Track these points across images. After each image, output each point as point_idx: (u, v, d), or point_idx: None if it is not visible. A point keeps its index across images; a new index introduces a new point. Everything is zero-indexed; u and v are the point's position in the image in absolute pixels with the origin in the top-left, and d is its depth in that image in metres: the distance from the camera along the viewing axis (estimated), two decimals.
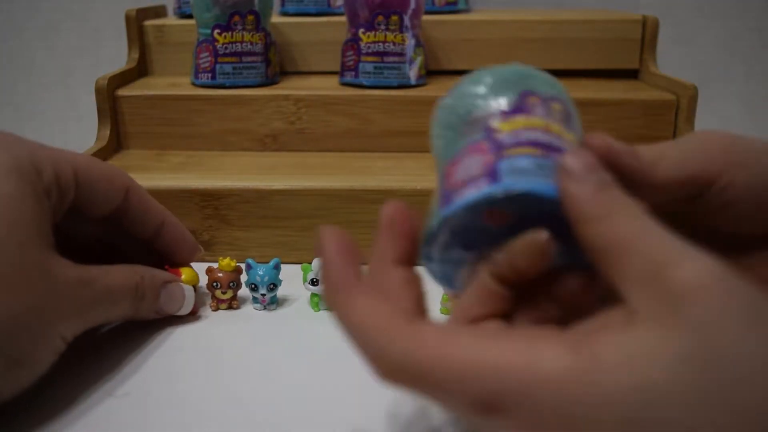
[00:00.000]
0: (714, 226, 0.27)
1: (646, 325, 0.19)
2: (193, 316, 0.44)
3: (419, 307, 0.24)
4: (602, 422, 0.18)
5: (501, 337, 0.21)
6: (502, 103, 0.26)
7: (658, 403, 0.17)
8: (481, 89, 0.27)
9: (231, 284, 0.45)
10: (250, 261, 0.45)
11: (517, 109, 0.26)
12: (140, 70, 0.70)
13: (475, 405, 0.19)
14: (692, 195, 0.26)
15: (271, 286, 0.45)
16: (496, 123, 0.26)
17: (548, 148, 0.24)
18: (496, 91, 0.27)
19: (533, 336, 0.21)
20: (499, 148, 0.25)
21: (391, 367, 0.21)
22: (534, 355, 0.19)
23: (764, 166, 0.25)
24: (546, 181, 0.23)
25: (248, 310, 0.46)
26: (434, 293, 0.29)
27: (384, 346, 0.21)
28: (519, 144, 0.25)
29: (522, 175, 0.24)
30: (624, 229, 0.21)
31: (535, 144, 0.25)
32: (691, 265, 0.19)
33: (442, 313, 0.45)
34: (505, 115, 0.26)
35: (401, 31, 0.62)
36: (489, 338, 0.20)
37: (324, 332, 0.43)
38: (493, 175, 0.24)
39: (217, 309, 0.46)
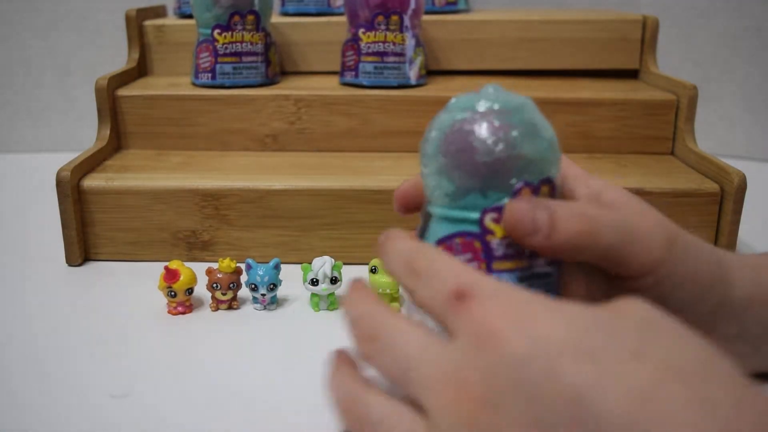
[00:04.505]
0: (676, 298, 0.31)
1: None
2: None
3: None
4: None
5: None
6: (500, 195, 0.27)
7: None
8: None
9: (231, 285, 0.45)
10: (250, 261, 0.45)
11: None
12: (140, 70, 0.70)
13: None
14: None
15: (271, 286, 0.45)
16: (490, 223, 0.27)
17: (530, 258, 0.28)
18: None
19: None
20: (491, 258, 0.27)
21: None
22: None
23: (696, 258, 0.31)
24: None
25: (248, 310, 0.46)
26: None
27: None
28: (506, 257, 0.27)
29: None
30: None
31: (519, 255, 0.27)
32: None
33: None
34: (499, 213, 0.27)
35: (401, 31, 0.62)
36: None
37: (324, 332, 0.43)
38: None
39: (217, 309, 0.46)
